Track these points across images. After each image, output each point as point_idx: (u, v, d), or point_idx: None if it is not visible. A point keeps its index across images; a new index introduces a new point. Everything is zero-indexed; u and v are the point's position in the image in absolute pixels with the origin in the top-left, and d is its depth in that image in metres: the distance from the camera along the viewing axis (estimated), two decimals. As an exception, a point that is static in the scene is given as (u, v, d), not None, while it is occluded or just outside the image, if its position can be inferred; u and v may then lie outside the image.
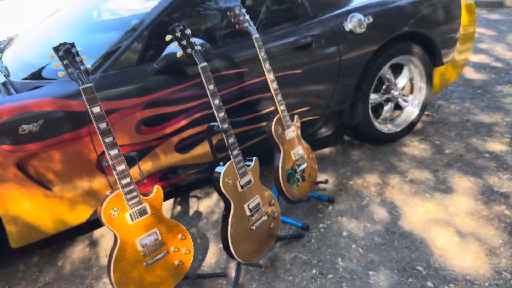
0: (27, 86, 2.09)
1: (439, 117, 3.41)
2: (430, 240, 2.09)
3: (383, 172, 2.71)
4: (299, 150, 2.29)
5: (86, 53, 2.22)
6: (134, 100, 2.08)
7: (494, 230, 2.12)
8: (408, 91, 3.15)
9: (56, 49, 1.59)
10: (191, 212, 2.49)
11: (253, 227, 1.89)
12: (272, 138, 2.17)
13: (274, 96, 2.17)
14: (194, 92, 2.22)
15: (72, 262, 2.16)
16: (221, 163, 1.81)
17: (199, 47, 1.80)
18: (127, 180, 1.67)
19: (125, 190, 1.66)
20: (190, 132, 2.27)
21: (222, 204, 2.54)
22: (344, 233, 2.19)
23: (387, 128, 3.05)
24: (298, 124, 2.33)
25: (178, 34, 1.73)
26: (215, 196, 2.63)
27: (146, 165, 2.22)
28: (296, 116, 2.34)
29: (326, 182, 2.49)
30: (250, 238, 1.89)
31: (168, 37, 1.76)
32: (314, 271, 1.96)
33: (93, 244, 2.29)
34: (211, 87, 1.78)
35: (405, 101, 3.13)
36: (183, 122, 2.23)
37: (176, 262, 1.81)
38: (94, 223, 2.42)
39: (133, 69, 2.13)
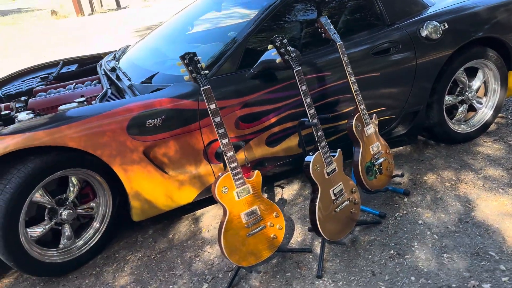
0: (148, 89, 2.52)
1: (515, 119, 3.45)
2: (503, 230, 2.23)
3: (457, 169, 2.85)
4: (377, 145, 2.52)
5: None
6: (234, 101, 2.43)
7: None
8: (482, 93, 3.25)
9: (182, 57, 1.97)
10: (276, 198, 2.80)
11: (337, 210, 2.16)
12: (353, 134, 2.42)
13: (355, 96, 2.43)
14: (283, 93, 2.54)
15: (180, 235, 2.55)
16: (310, 153, 2.10)
17: (294, 54, 2.11)
18: (235, 164, 2.01)
19: (233, 172, 2.00)
20: (278, 128, 2.59)
21: (303, 193, 2.82)
22: (420, 222, 2.38)
23: (461, 128, 3.17)
24: (376, 122, 2.57)
25: (278, 43, 2.05)
26: (297, 185, 2.92)
27: (242, 155, 2.56)
28: (374, 115, 2.57)
29: (402, 175, 2.68)
30: (334, 219, 2.16)
31: (270, 46, 2.09)
32: (392, 251, 2.18)
33: (196, 221, 2.66)
34: (304, 87, 2.08)
35: (479, 103, 3.23)
36: (273, 120, 2.56)
37: (272, 235, 2.12)
38: (197, 203, 2.80)
39: (233, 75, 2.49)
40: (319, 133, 2.10)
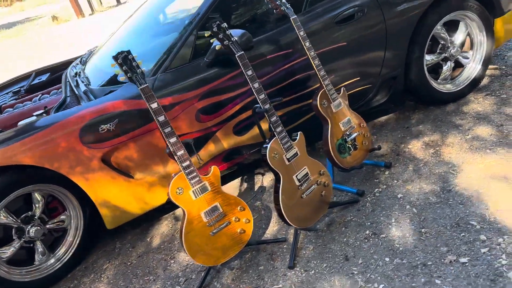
0: (104, 92, 2.45)
1: (508, 69, 3.23)
2: (487, 195, 2.09)
3: (443, 132, 2.69)
4: (348, 120, 2.39)
5: (150, 56, 2.54)
6: (191, 93, 2.34)
7: (558, 180, 2.05)
8: (468, 47, 3.04)
9: (115, 57, 1.89)
10: (256, 187, 2.72)
11: (304, 196, 2.06)
12: (319, 112, 2.30)
13: (317, 72, 2.29)
14: (243, 78, 2.42)
15: (157, 238, 2.51)
16: (267, 140, 2.00)
17: (235, 38, 1.99)
18: (187, 162, 1.93)
19: (186, 171, 1.93)
20: (244, 115, 2.49)
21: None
22: (399, 195, 2.26)
23: (447, 88, 2.99)
24: (346, 96, 2.43)
25: (215, 29, 1.94)
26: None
27: (210, 148, 2.48)
28: (342, 89, 2.43)
29: (379, 148, 2.55)
30: (302, 206, 2.07)
31: (206, 33, 1.97)
32: (367, 232, 2.08)
33: (175, 221, 2.62)
34: (249, 72, 1.97)
35: (465, 57, 3.03)
36: (237, 107, 2.46)
37: (238, 230, 2.05)
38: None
39: (188, 66, 2.39)
40: (273, 119, 1.99)
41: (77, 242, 2.40)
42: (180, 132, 2.37)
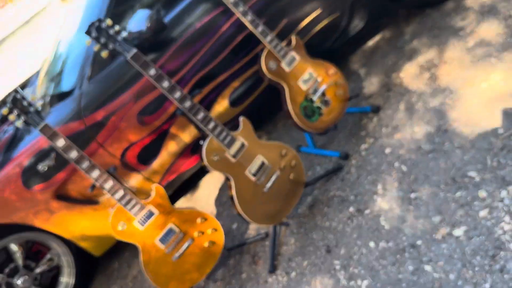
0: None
1: None
2: (490, 126, 1.70)
3: (441, 45, 2.24)
4: (309, 74, 2.04)
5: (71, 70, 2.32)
6: (123, 97, 2.12)
7: None
8: None
9: (3, 102, 1.70)
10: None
11: (266, 189, 1.82)
12: (268, 77, 1.98)
13: (254, 30, 1.94)
14: (178, 60, 2.15)
15: (149, 252, 2.44)
16: (200, 142, 1.75)
17: (125, 33, 1.68)
18: (121, 193, 1.76)
19: (123, 202, 1.76)
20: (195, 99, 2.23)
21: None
22: (387, 150, 1.94)
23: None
24: (300, 44, 2.06)
25: (94, 34, 1.64)
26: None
27: (171, 148, 2.28)
28: (293, 37, 2.06)
29: (357, 96, 2.18)
30: (268, 200, 1.84)
31: (87, 42, 1.69)
32: (351, 209, 1.82)
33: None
34: (152, 72, 1.68)
35: None
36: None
37: (206, 244, 1.89)
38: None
39: (110, 67, 2.15)
40: (200, 116, 1.73)
41: (73, 281, 2.39)
42: (128, 144, 2.19)
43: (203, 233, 1.89)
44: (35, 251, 2.42)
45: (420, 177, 1.73)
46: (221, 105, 2.30)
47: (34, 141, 2.11)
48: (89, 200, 2.26)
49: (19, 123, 1.71)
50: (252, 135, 1.83)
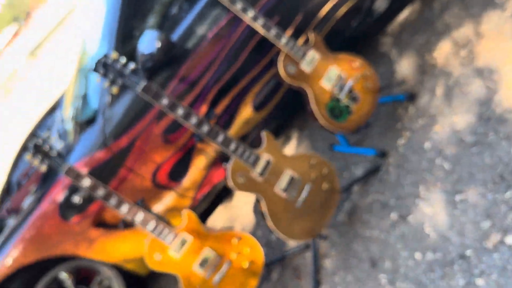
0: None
1: None
2: (540, 113, 1.54)
3: (474, 16, 2.04)
4: (332, 71, 1.92)
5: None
6: (144, 119, 2.10)
7: None
8: None
9: (25, 147, 1.72)
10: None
11: (298, 204, 1.75)
12: (289, 82, 1.89)
13: (267, 35, 1.85)
14: (195, 72, 2.10)
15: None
16: (223, 165, 1.71)
17: (133, 65, 1.64)
18: (152, 224, 1.76)
19: (155, 233, 1.76)
20: (220, 109, 2.18)
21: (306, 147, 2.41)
22: (426, 145, 1.81)
23: None
24: (319, 40, 1.94)
25: (102, 71, 1.61)
26: (294, 140, 2.51)
27: (199, 163, 2.25)
28: (310, 34, 1.94)
29: (388, 86, 2.04)
30: (302, 215, 1.77)
31: (97, 79, 1.66)
32: (392, 215, 1.72)
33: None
34: (165, 101, 1.64)
35: None
36: (204, 106, 2.15)
37: (246, 264, 1.86)
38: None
39: (128, 92, 2.12)
40: (220, 138, 1.67)
41: None
42: (157, 165, 2.18)
43: (240, 252, 1.86)
44: (84, 276, 2.50)
45: (464, 175, 1.60)
46: (246, 112, 2.23)
47: (63, 177, 2.14)
48: (127, 223, 2.28)
49: (43, 168, 1.74)
50: (277, 150, 1.76)
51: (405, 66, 2.18)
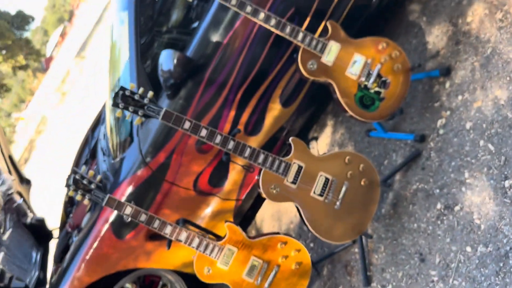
0: (115, 168, 2.40)
1: None
2: None
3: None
4: (357, 59, 1.80)
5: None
6: (177, 133, 2.10)
7: None
8: None
9: (67, 185, 1.78)
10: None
11: (337, 205, 1.69)
12: (312, 78, 1.80)
13: (282, 34, 1.76)
14: (220, 78, 2.06)
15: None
16: (256, 178, 1.67)
17: (149, 97, 1.61)
18: (197, 240, 1.78)
19: (201, 249, 1.78)
20: (247, 114, 2.13)
21: (337, 136, 2.32)
22: (468, 125, 1.67)
23: None
24: (338, 29, 1.82)
25: (121, 105, 1.60)
26: (329, 128, 2.42)
27: (239, 163, 2.24)
28: (328, 23, 1.82)
29: (419, 66, 1.89)
30: (343, 215, 1.71)
31: (118, 113, 1.66)
32: (438, 206, 1.63)
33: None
34: (187, 125, 1.61)
35: None
36: (232, 113, 2.12)
37: (293, 266, 1.85)
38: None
39: (160, 103, 2.13)
40: (246, 153, 1.64)
41: None
42: (196, 175, 2.19)
43: (287, 257, 1.84)
44: (148, 282, 2.61)
45: (510, 156, 1.47)
46: (275, 110, 2.17)
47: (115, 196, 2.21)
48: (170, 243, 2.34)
49: (86, 202, 1.79)
50: (307, 154, 1.70)
51: (437, 36, 2.00)
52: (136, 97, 1.60)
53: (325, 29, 1.82)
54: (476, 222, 1.47)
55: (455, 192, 1.58)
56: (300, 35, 1.75)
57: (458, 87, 1.79)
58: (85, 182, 1.77)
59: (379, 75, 1.81)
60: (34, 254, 3.35)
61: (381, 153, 1.97)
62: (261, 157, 1.64)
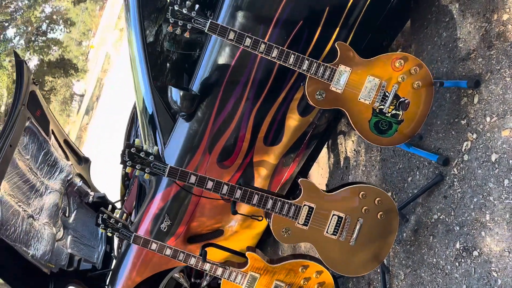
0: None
1: None
2: None
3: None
4: (370, 83, 1.64)
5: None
6: (197, 152, 2.10)
7: None
8: None
9: (97, 225, 1.88)
10: (336, 168, 2.30)
11: (352, 243, 1.65)
12: (321, 107, 1.68)
13: (286, 65, 1.63)
14: (232, 98, 2.00)
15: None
16: (267, 220, 1.65)
17: (156, 147, 1.59)
18: (220, 269, 1.85)
19: (225, 276, 1.86)
20: (265, 128, 2.07)
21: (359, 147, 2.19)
22: (494, 157, 1.50)
23: None
24: (347, 49, 1.63)
25: (129, 163, 1.60)
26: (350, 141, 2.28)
27: (262, 173, 2.23)
28: (337, 44, 1.64)
29: (442, 84, 1.66)
30: (360, 250, 1.67)
31: (128, 170, 1.66)
32: (458, 245, 1.53)
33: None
34: (193, 179, 1.59)
35: None
36: (250, 128, 2.06)
37: (316, 287, 1.88)
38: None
39: (176, 131, 2.12)
40: (254, 201, 1.61)
41: None
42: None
43: (309, 279, 1.87)
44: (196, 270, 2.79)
45: (537, 209, 1.32)
46: (293, 120, 2.07)
47: (146, 210, 2.32)
48: (215, 232, 2.44)
49: (115, 237, 1.90)
50: (318, 194, 1.63)
51: (469, 32, 1.73)
52: (142, 154, 1.59)
53: (333, 51, 1.64)
54: (494, 275, 1.38)
55: (475, 234, 1.47)
56: (306, 64, 1.61)
57: (487, 105, 1.57)
58: (113, 221, 1.85)
59: (396, 96, 1.64)
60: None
61: (406, 167, 1.84)
62: (270, 203, 1.60)
